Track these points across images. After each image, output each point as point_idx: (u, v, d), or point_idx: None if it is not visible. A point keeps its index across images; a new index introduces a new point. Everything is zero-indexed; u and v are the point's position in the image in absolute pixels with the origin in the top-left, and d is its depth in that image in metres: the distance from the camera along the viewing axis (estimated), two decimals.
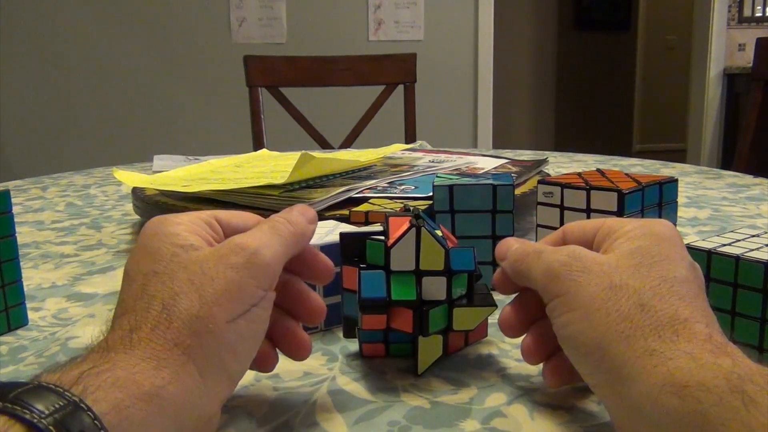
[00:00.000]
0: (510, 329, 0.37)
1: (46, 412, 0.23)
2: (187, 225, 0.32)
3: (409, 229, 0.36)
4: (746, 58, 4.00)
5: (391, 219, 0.38)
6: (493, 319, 0.47)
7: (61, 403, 0.23)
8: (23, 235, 0.75)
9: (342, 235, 0.39)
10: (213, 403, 0.29)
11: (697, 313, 0.29)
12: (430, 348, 0.38)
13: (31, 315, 0.50)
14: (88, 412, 0.23)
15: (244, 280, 0.30)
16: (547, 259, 0.33)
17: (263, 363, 0.35)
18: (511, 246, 0.37)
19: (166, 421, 0.26)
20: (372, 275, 0.37)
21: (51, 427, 0.22)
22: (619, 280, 0.30)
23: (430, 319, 0.36)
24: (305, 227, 0.34)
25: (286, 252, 0.33)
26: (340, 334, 0.44)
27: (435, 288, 0.37)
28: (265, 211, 0.64)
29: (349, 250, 0.39)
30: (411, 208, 0.44)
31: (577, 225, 0.37)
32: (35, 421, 0.22)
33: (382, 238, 0.38)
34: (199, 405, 0.28)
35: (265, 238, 0.32)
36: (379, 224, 0.43)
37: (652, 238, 0.32)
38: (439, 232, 0.38)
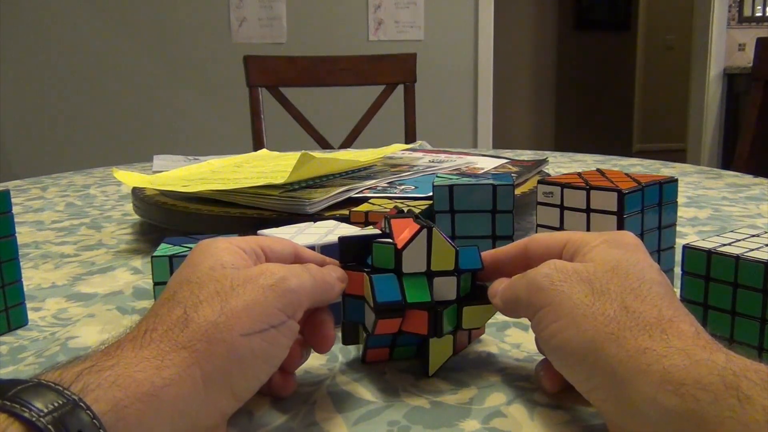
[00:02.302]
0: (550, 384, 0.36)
1: (45, 410, 0.23)
2: (233, 248, 0.34)
3: (420, 230, 0.36)
4: (746, 58, 4.00)
5: (393, 221, 0.38)
6: (499, 327, 0.47)
7: (60, 401, 0.23)
8: (23, 235, 0.75)
9: (341, 239, 0.39)
10: (211, 414, 0.29)
11: (680, 312, 0.30)
12: (441, 348, 0.38)
13: (31, 315, 0.50)
14: (87, 411, 0.23)
15: (268, 301, 0.31)
16: (529, 275, 0.34)
17: (280, 388, 0.36)
18: (502, 283, 0.37)
19: (161, 423, 0.26)
20: (384, 279, 0.36)
21: (50, 426, 0.22)
22: (599, 286, 0.31)
23: (444, 319, 0.36)
24: (334, 281, 0.36)
25: (313, 290, 0.34)
26: (339, 334, 0.44)
27: (446, 288, 0.37)
28: (265, 211, 0.65)
29: (348, 253, 0.39)
30: (405, 210, 0.44)
31: (541, 238, 0.38)
32: (34, 419, 0.22)
33: (390, 240, 0.37)
34: (196, 412, 0.28)
35: (295, 270, 0.33)
36: (371, 227, 0.42)
37: (621, 248, 0.34)
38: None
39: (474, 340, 0.43)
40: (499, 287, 0.37)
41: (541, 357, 0.38)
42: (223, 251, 0.33)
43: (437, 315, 0.36)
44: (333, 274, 0.36)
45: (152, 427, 0.26)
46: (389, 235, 0.38)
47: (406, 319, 0.37)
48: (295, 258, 0.38)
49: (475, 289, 0.39)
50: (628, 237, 0.35)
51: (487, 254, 0.39)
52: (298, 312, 0.32)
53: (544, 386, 0.36)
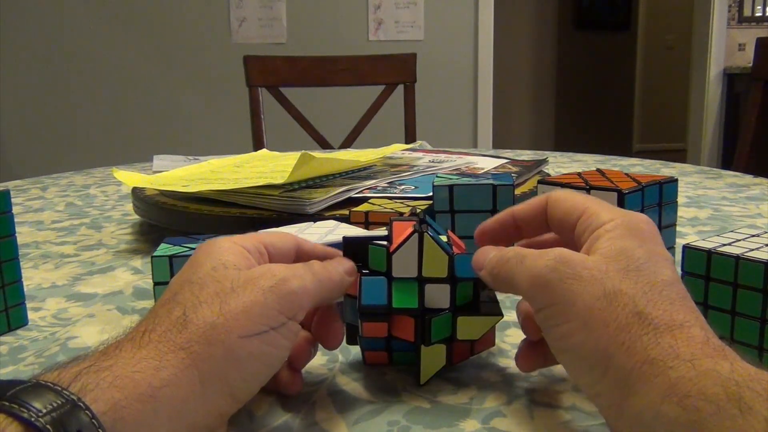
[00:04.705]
0: (526, 365, 0.37)
1: (44, 410, 0.23)
2: (236, 247, 0.34)
3: (411, 234, 0.35)
4: (746, 58, 4.00)
5: (395, 223, 0.37)
6: (498, 327, 0.46)
7: (58, 401, 0.23)
8: (23, 235, 0.75)
9: (345, 239, 0.38)
10: (210, 415, 0.29)
11: (690, 316, 0.29)
12: (433, 357, 0.37)
13: (31, 315, 0.50)
14: (86, 411, 0.23)
15: (267, 303, 0.30)
16: (532, 264, 0.32)
17: (288, 385, 0.36)
18: (488, 254, 0.35)
19: (159, 423, 0.26)
20: (373, 281, 0.36)
21: (48, 426, 0.22)
22: (611, 287, 0.30)
23: (432, 327, 0.36)
24: (341, 276, 0.35)
25: (316, 290, 0.33)
26: None
27: (438, 296, 0.36)
28: (265, 211, 0.65)
29: (351, 254, 0.38)
30: (417, 212, 0.43)
31: (560, 200, 0.36)
32: (33, 419, 0.22)
33: (385, 243, 0.37)
34: (194, 412, 0.28)
35: (298, 271, 0.33)
36: (382, 228, 0.42)
37: (635, 237, 0.32)
38: (444, 238, 0.37)
39: (481, 351, 0.41)
40: (484, 259, 0.35)
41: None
42: (225, 251, 0.33)
43: (424, 323, 0.35)
44: (339, 268, 0.35)
45: (151, 427, 0.26)
46: (390, 237, 0.37)
47: (393, 324, 0.36)
48: (297, 251, 0.37)
49: (477, 299, 0.37)
50: (644, 223, 0.33)
51: (506, 212, 0.38)
52: (299, 313, 0.32)
53: (519, 366, 0.37)
